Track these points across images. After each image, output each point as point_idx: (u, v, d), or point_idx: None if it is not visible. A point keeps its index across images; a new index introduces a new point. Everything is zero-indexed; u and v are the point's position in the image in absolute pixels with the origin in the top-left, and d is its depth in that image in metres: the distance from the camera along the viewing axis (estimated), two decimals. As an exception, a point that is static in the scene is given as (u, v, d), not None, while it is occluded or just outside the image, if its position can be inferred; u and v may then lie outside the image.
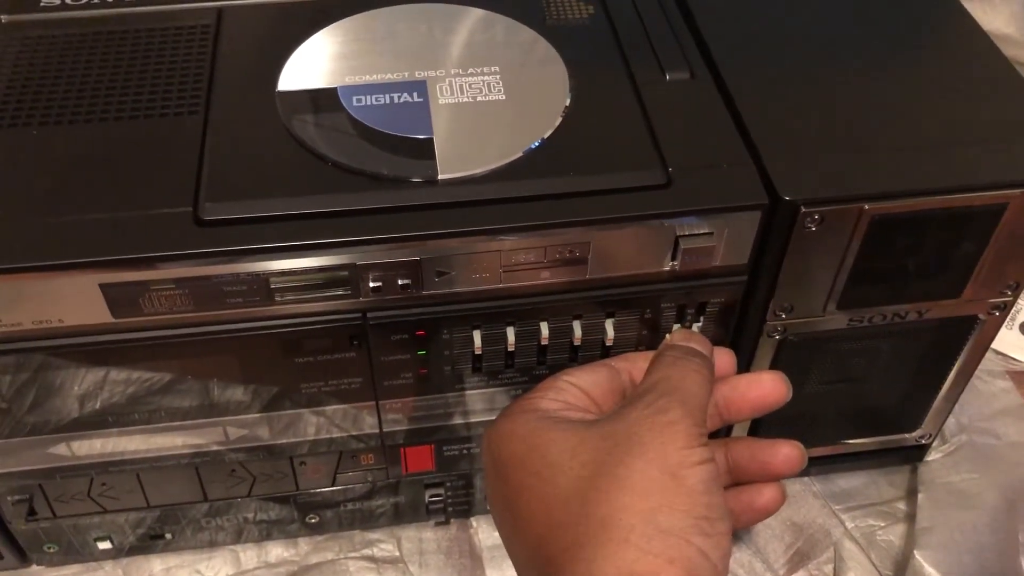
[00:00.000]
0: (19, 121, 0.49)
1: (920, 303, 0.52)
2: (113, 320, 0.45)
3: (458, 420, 0.55)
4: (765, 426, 0.59)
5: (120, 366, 0.47)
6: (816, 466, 0.64)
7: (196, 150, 0.47)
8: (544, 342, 0.50)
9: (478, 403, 0.54)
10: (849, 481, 0.65)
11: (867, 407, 0.60)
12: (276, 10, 0.56)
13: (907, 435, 0.62)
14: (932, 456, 0.64)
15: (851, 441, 0.62)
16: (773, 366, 0.55)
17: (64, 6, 0.56)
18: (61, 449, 0.51)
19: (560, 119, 0.49)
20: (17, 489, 0.54)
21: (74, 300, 0.44)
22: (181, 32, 0.54)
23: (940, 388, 0.59)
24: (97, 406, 0.49)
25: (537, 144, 0.48)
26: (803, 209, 0.46)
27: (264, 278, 0.45)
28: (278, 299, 0.46)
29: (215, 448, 0.53)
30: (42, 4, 0.56)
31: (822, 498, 0.64)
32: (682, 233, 0.46)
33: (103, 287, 0.43)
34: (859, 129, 0.49)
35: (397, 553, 0.60)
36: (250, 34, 0.54)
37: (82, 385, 0.48)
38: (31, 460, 0.51)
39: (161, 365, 0.47)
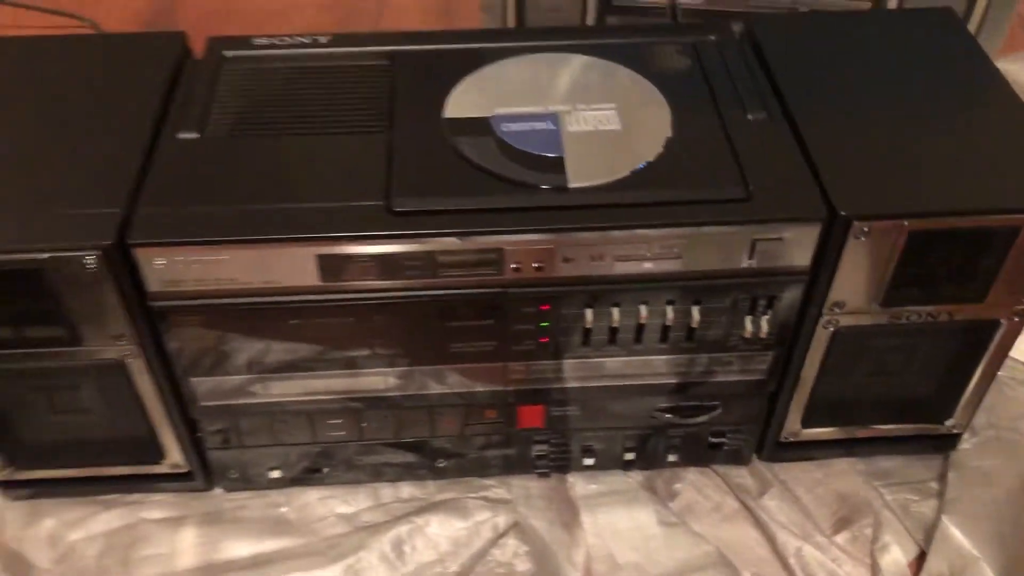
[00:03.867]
0: (244, 132, 0.64)
1: (949, 305, 0.64)
2: (320, 284, 0.59)
3: (567, 384, 0.68)
4: (815, 409, 0.71)
5: (317, 321, 0.61)
6: (860, 447, 0.75)
7: (385, 159, 0.61)
8: (642, 321, 0.63)
9: (584, 371, 0.67)
10: (889, 462, 0.76)
11: (905, 397, 0.72)
12: (437, 54, 0.70)
13: (940, 424, 0.74)
14: (963, 445, 0.75)
15: (891, 426, 0.74)
16: (826, 355, 0.67)
17: (272, 46, 0.71)
18: (258, 389, 0.65)
19: (663, 146, 0.62)
20: (218, 420, 0.68)
21: (294, 267, 0.58)
22: (364, 69, 0.69)
23: (969, 382, 0.70)
24: (290, 355, 0.63)
25: (644, 165, 0.61)
26: (855, 222, 0.58)
27: (433, 256, 0.59)
28: (441, 274, 0.59)
29: (374, 394, 0.67)
30: (255, 43, 0.71)
31: (865, 475, 0.75)
32: (757, 237, 0.59)
33: (319, 257, 0.58)
34: (903, 159, 0.61)
35: (508, 496, 0.73)
36: (418, 73, 0.68)
37: (283, 337, 0.62)
38: (234, 397, 0.66)
39: (347, 322, 0.62)
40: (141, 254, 0.57)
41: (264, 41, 0.71)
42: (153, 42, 0.72)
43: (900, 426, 0.74)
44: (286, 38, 0.71)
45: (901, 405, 0.72)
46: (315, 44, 0.71)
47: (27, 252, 0.56)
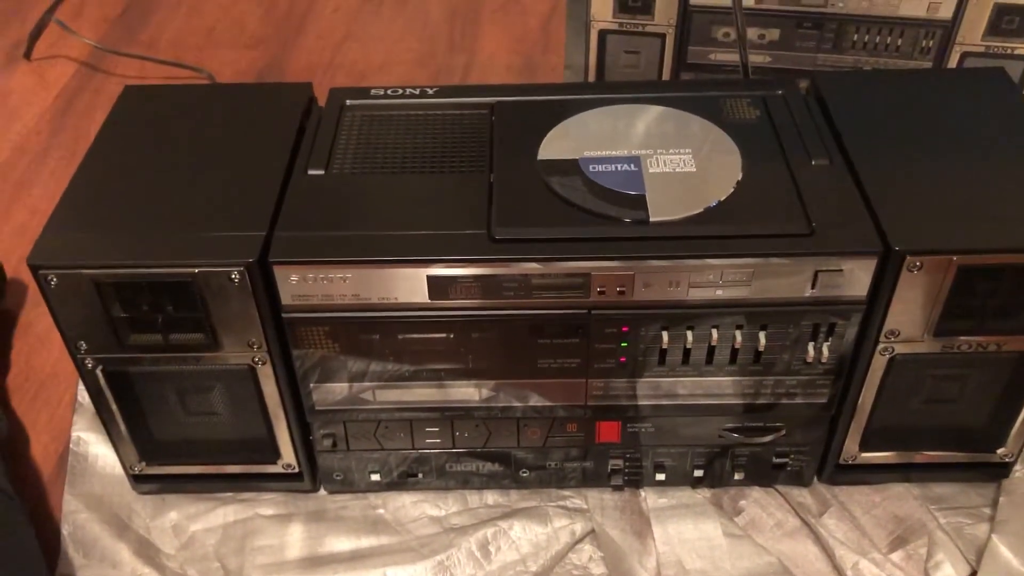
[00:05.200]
0: (364, 170, 0.73)
1: (998, 336, 0.70)
2: (429, 301, 0.67)
3: (642, 402, 0.74)
4: (873, 433, 0.76)
5: (424, 335, 0.69)
6: (916, 472, 0.80)
7: (486, 194, 0.70)
8: (713, 344, 0.70)
9: (658, 390, 0.73)
10: (943, 489, 0.81)
11: (958, 424, 0.77)
12: (531, 105, 0.79)
13: (992, 453, 0.78)
14: (1016, 474, 0.80)
15: (945, 452, 0.79)
16: (883, 381, 0.72)
17: (386, 96, 0.81)
18: (367, 396, 0.74)
19: (734, 187, 0.70)
20: (329, 424, 0.76)
21: (406, 286, 0.67)
22: (468, 117, 0.78)
23: (1020, 412, 0.75)
24: (397, 366, 0.72)
25: (716, 203, 0.69)
26: (908, 256, 0.65)
27: (527, 279, 0.67)
28: (534, 295, 0.67)
29: (468, 405, 0.74)
30: (371, 93, 0.81)
31: (920, 500, 0.80)
32: (820, 269, 0.66)
33: (428, 278, 0.66)
34: (953, 201, 0.68)
35: (584, 506, 0.80)
36: (515, 121, 0.77)
37: (393, 348, 0.70)
38: (346, 403, 0.74)
39: (450, 337, 0.70)
40: (279, 271, 0.66)
41: (379, 92, 0.81)
42: (284, 92, 0.82)
43: (954, 453, 0.79)
44: (399, 89, 0.81)
45: (955, 433, 0.77)
46: (423, 95, 0.80)
47: (182, 267, 0.65)
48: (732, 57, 1.07)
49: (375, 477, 0.80)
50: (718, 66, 1.09)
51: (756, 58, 1.07)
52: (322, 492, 0.82)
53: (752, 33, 1.06)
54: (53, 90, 1.33)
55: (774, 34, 1.06)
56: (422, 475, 0.80)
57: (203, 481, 0.81)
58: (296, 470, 0.79)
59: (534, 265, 0.66)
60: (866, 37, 1.03)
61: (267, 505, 0.81)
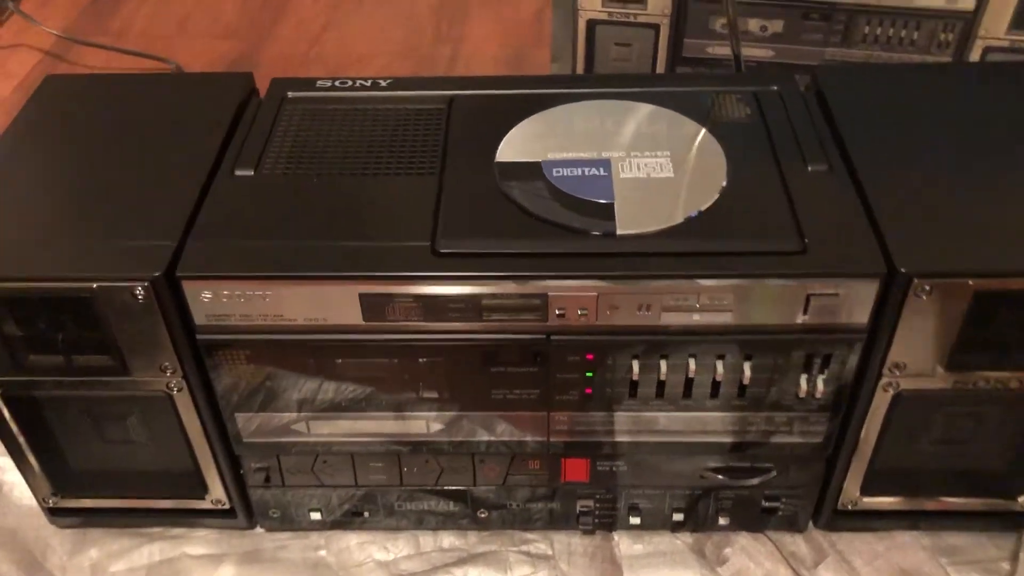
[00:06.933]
0: (303, 171, 0.64)
1: (1022, 372, 0.60)
2: (363, 323, 0.59)
3: (612, 439, 0.66)
4: (876, 476, 0.67)
5: (359, 360, 0.61)
6: (925, 520, 0.71)
7: (433, 201, 0.61)
8: (691, 376, 0.61)
9: (631, 425, 0.65)
10: (957, 539, 0.71)
11: (975, 468, 0.68)
12: (495, 99, 0.70)
13: (1014, 501, 0.69)
14: (1038, 524, 0.71)
15: (959, 499, 0.69)
16: (887, 419, 0.63)
17: (333, 88, 0.72)
18: (300, 427, 0.65)
19: (718, 195, 0.61)
20: (260, 458, 0.68)
21: (337, 305, 0.58)
22: (422, 113, 0.69)
23: (1044, 456, 0.66)
24: (333, 395, 0.63)
25: (696, 213, 0.60)
26: (915, 279, 0.55)
27: (477, 299, 0.58)
28: (485, 317, 0.59)
29: (416, 439, 0.66)
30: (317, 85, 0.72)
31: (930, 551, 0.71)
32: (812, 292, 0.57)
33: (362, 296, 0.57)
34: (971, 216, 0.59)
35: (550, 552, 0.71)
36: (475, 117, 0.68)
37: (325, 375, 0.62)
38: (277, 434, 0.66)
39: (390, 363, 0.61)
40: (189, 287, 0.57)
41: (327, 83, 0.72)
42: (222, 82, 0.74)
43: (969, 500, 0.70)
44: (348, 81, 0.72)
45: (970, 477, 0.68)
46: (376, 87, 0.72)
47: (80, 281, 0.57)
48: (733, 51, 0.98)
49: (316, 516, 0.72)
50: (717, 60, 0.99)
51: (758, 52, 0.98)
52: (259, 529, 0.74)
53: (754, 24, 0.97)
54: (13, 81, 1.25)
55: (777, 26, 0.97)
56: (368, 514, 0.72)
57: (128, 516, 0.73)
58: (227, 506, 0.71)
59: (482, 284, 0.57)
60: (878, 30, 0.94)
61: (197, 543, 0.73)
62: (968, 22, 0.91)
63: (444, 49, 1.29)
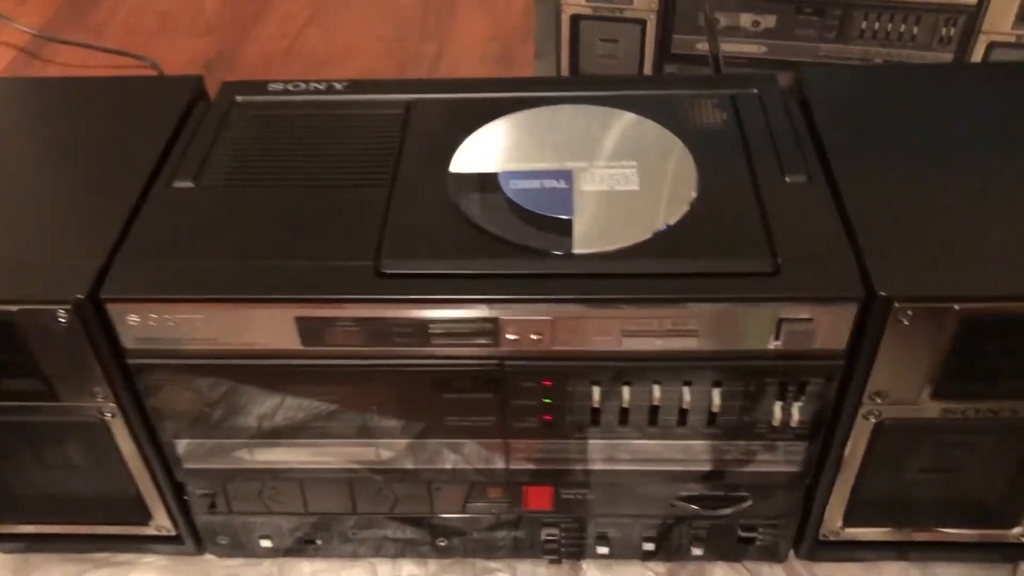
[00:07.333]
0: (241, 183, 0.60)
1: (1014, 401, 0.56)
2: (301, 347, 0.55)
3: (575, 467, 0.61)
4: (860, 506, 0.63)
5: (301, 386, 0.57)
6: (914, 550, 0.66)
7: (380, 216, 0.57)
8: (656, 403, 0.57)
9: (595, 453, 0.60)
10: (948, 570, 0.67)
11: (965, 498, 0.63)
12: (455, 104, 0.66)
13: (1007, 531, 0.65)
14: (1035, 557, 0.66)
15: (949, 530, 0.65)
16: (869, 449, 0.59)
17: (286, 92, 0.68)
18: (244, 454, 0.61)
19: (687, 209, 0.56)
20: (204, 484, 0.64)
21: (272, 329, 0.54)
22: (377, 119, 0.65)
23: (1040, 488, 0.61)
24: (276, 420, 0.59)
25: (663, 229, 0.55)
26: (896, 304, 0.51)
27: (424, 323, 0.54)
28: (433, 342, 0.55)
29: (367, 466, 0.62)
30: (269, 89, 0.68)
31: (919, 584, 0.67)
32: (785, 317, 0.53)
33: (298, 320, 0.53)
34: (956, 236, 0.54)
35: (513, 583, 0.67)
36: (433, 123, 0.64)
37: (267, 400, 0.58)
38: (219, 461, 0.62)
39: (334, 389, 0.57)
40: (114, 310, 0.54)
41: (279, 87, 0.69)
42: (170, 85, 0.70)
43: (960, 531, 0.65)
44: (301, 84, 0.68)
45: (962, 507, 0.64)
46: (331, 91, 0.68)
47: (-1, 303, 0.53)
48: (725, 47, 0.93)
49: (266, 543, 0.68)
50: (707, 57, 0.95)
51: (750, 48, 0.93)
52: (208, 556, 0.70)
53: (745, 19, 0.92)
54: (-15, 79, 1.22)
55: (770, 21, 0.92)
56: (322, 542, 0.68)
57: (73, 542, 0.69)
58: (173, 533, 0.67)
59: (428, 307, 0.53)
60: (876, 24, 0.89)
61: (146, 569, 0.69)
62: (971, 16, 0.86)
63: (430, 47, 1.24)
